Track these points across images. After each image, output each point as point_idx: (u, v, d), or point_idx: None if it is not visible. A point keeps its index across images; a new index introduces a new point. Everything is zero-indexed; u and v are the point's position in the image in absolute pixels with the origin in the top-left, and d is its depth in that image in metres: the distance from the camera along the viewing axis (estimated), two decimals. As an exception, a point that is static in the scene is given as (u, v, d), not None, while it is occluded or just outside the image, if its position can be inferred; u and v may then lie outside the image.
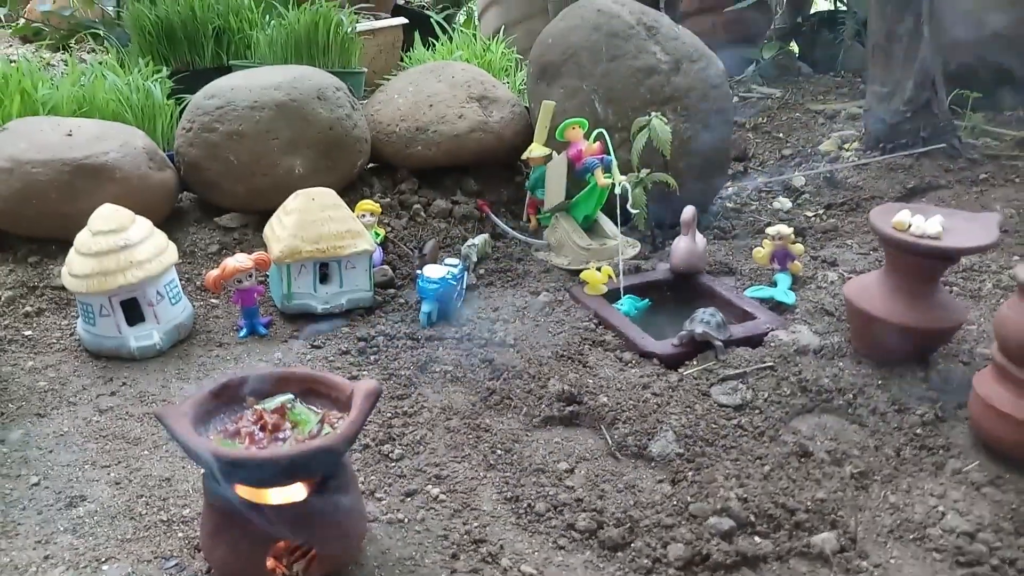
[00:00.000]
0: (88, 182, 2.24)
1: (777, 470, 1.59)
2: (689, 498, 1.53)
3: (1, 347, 2.01)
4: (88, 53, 4.04)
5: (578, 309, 2.18)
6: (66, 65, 3.11)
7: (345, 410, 1.32)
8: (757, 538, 1.46)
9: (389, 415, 1.76)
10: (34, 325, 2.11)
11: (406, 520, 1.49)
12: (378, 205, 2.45)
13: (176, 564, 1.37)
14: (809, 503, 1.51)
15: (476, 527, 1.47)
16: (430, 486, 1.57)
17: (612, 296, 2.19)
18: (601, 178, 2.33)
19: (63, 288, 2.07)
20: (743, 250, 2.54)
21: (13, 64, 2.79)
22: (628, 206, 2.29)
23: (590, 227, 2.48)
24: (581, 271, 2.26)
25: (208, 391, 1.34)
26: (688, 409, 1.76)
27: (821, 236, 2.66)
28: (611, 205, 2.32)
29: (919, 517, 1.50)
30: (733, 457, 1.64)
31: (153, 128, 2.69)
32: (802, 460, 1.62)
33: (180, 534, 1.44)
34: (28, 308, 2.15)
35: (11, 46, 4.41)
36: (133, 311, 1.99)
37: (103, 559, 1.38)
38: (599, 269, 2.20)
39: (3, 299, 2.15)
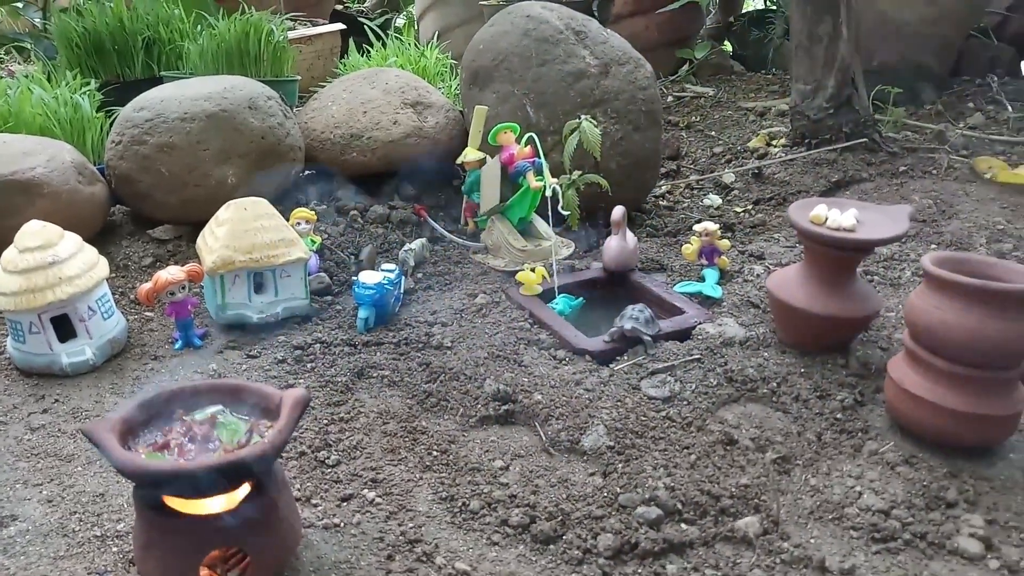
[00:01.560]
0: (15, 198, 2.21)
1: (703, 458, 1.65)
2: (619, 489, 1.58)
3: (-73, 368, 1.98)
4: (17, 65, 3.96)
5: (514, 309, 2.22)
6: (-9, 79, 3.05)
7: (275, 419, 1.34)
8: (684, 525, 1.51)
9: (326, 422, 1.78)
10: (-39, 345, 2.08)
11: (342, 524, 1.51)
12: (313, 213, 2.46)
13: (110, 578, 1.37)
14: (733, 489, 1.57)
15: (411, 528, 1.50)
16: (366, 490, 1.59)
17: (547, 296, 2.24)
18: (533, 181, 2.38)
19: (-9, 306, 2.04)
20: (674, 247, 2.61)
21: (-65, 79, 2.74)
22: (559, 208, 2.33)
23: (525, 229, 2.52)
24: (516, 272, 2.29)
25: (136, 404, 1.34)
26: (619, 403, 1.80)
27: (749, 231, 2.74)
28: (545, 207, 2.37)
29: (838, 498, 1.57)
30: (661, 448, 1.69)
31: (83, 142, 2.66)
32: (727, 448, 1.68)
33: (115, 548, 1.44)
34: (-45, 328, 2.11)
35: (-65, 60, 4.30)
36: (64, 327, 1.97)
37: (35, 577, 1.37)
38: (534, 270, 2.24)
39: (-72, 320, 2.11)
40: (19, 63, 3.94)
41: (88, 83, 2.89)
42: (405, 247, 2.45)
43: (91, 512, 1.53)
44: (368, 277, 2.13)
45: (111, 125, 2.63)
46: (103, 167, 2.55)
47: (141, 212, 2.56)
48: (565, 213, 2.35)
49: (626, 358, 1.96)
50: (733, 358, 1.92)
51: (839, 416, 1.77)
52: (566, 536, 1.48)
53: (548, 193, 2.31)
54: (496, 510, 1.54)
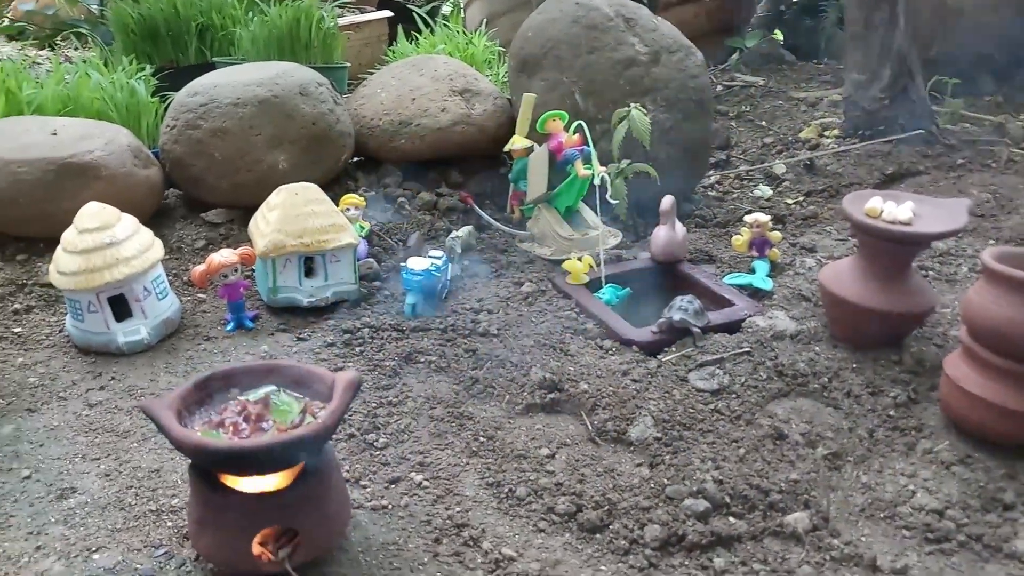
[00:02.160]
0: (74, 181, 2.26)
1: (752, 452, 1.63)
2: (666, 481, 1.57)
3: (-9, 344, 2.04)
4: (73, 51, 4.05)
5: (560, 298, 2.22)
6: (51, 63, 3.12)
7: (327, 400, 1.36)
8: (732, 519, 1.50)
9: (374, 405, 1.80)
10: (23, 322, 2.14)
11: (390, 506, 1.52)
12: (362, 199, 2.48)
13: (165, 552, 1.40)
14: (783, 484, 1.55)
15: (458, 512, 1.51)
16: (414, 473, 1.61)
17: (594, 285, 2.23)
18: (581, 169, 2.36)
19: (51, 285, 2.09)
20: (723, 238, 2.58)
21: (-2, 64, 2.81)
22: (608, 196, 2.32)
23: (572, 218, 2.51)
24: (563, 261, 2.29)
25: (192, 384, 1.37)
26: (666, 395, 1.79)
27: (800, 223, 2.70)
28: (593, 195, 2.35)
29: (890, 496, 1.54)
30: (710, 440, 1.68)
31: (138, 126, 2.71)
32: (777, 443, 1.66)
33: (169, 523, 1.48)
34: (17, 306, 2.17)
35: (-4, 45, 4.42)
36: (121, 307, 2.01)
37: (94, 548, 1.41)
38: (581, 259, 2.24)
39: (-8, 297, 2.18)
40: (77, 49, 4.03)
41: (143, 68, 2.95)
42: (452, 234, 2.45)
43: (146, 487, 1.56)
44: (416, 263, 2.14)
45: (165, 110, 2.67)
46: (158, 151, 2.60)
47: (194, 195, 2.60)
48: (613, 202, 2.34)
49: (674, 349, 1.95)
50: (783, 352, 1.89)
51: (892, 413, 1.74)
52: (612, 526, 1.48)
53: (596, 182, 2.29)
54: (542, 497, 1.55)
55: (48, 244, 2.19)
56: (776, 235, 2.33)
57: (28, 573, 1.35)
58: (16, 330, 2.10)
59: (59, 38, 4.25)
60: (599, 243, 2.33)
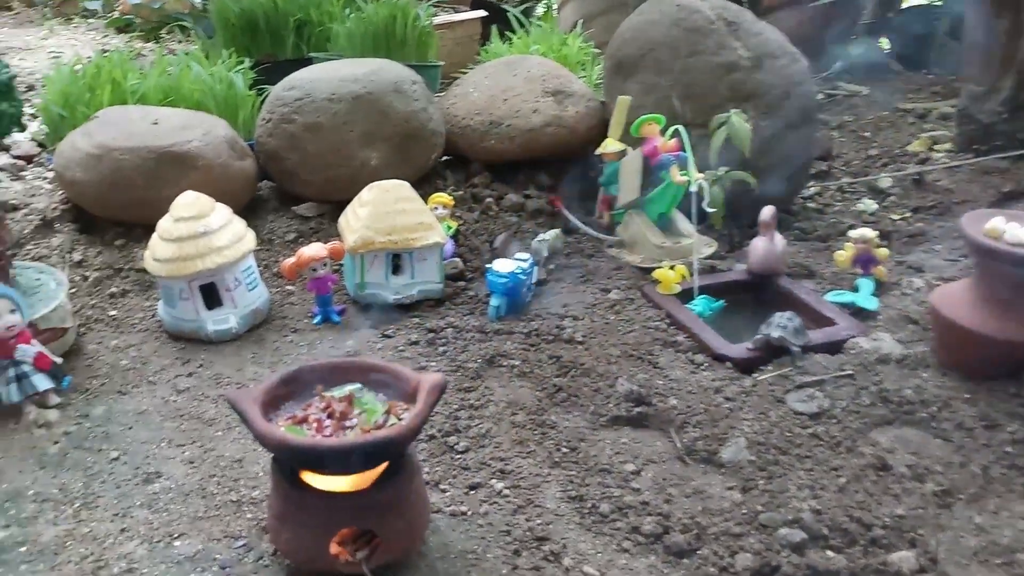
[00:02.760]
0: (172, 169, 2.31)
1: (854, 483, 1.53)
2: (760, 507, 1.49)
3: (88, 325, 2.09)
4: (177, 44, 4.18)
5: (650, 308, 2.14)
6: (155, 55, 3.22)
7: (411, 401, 1.33)
8: (830, 552, 1.40)
9: (456, 407, 1.76)
10: (119, 305, 2.19)
11: (469, 513, 1.48)
12: (451, 198, 2.46)
13: (244, 544, 1.39)
14: (887, 519, 1.45)
15: (539, 524, 1.46)
16: (494, 480, 1.56)
17: (686, 296, 2.15)
18: (677, 175, 2.28)
19: (146, 271, 2.14)
20: (824, 252, 2.46)
21: (105, 55, 2.90)
22: (704, 205, 2.23)
23: (665, 224, 2.43)
24: (654, 269, 2.21)
25: (279, 378, 1.36)
26: (761, 416, 1.70)
27: (907, 240, 2.55)
28: (687, 203, 2.27)
29: (1007, 541, 1.42)
30: (807, 467, 1.58)
31: (235, 118, 2.75)
32: (880, 474, 1.56)
33: (249, 515, 1.47)
34: (114, 289, 2.23)
35: (106, 36, 4.60)
36: (211, 295, 2.04)
37: (176, 535, 1.41)
38: (673, 268, 2.16)
39: (91, 280, 2.24)
40: (180, 42, 4.15)
41: (242, 62, 3.00)
42: (539, 237, 2.41)
43: (229, 476, 1.56)
44: (502, 265, 2.10)
45: (262, 103, 2.71)
46: (253, 143, 2.63)
47: (287, 189, 2.63)
48: (711, 210, 2.25)
49: (771, 368, 1.85)
50: (888, 376, 1.78)
51: (1009, 450, 1.61)
52: (701, 551, 1.41)
53: (693, 188, 2.21)
54: (627, 515, 1.48)
55: (145, 230, 2.24)
56: (883, 252, 2.20)
57: (113, 555, 1.36)
58: (112, 313, 2.15)
59: (164, 31, 4.39)
60: (693, 252, 2.24)
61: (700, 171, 2.29)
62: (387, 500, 1.29)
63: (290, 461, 1.28)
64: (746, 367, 1.87)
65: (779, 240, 2.21)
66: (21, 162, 3.16)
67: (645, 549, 1.42)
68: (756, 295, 2.21)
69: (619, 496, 1.52)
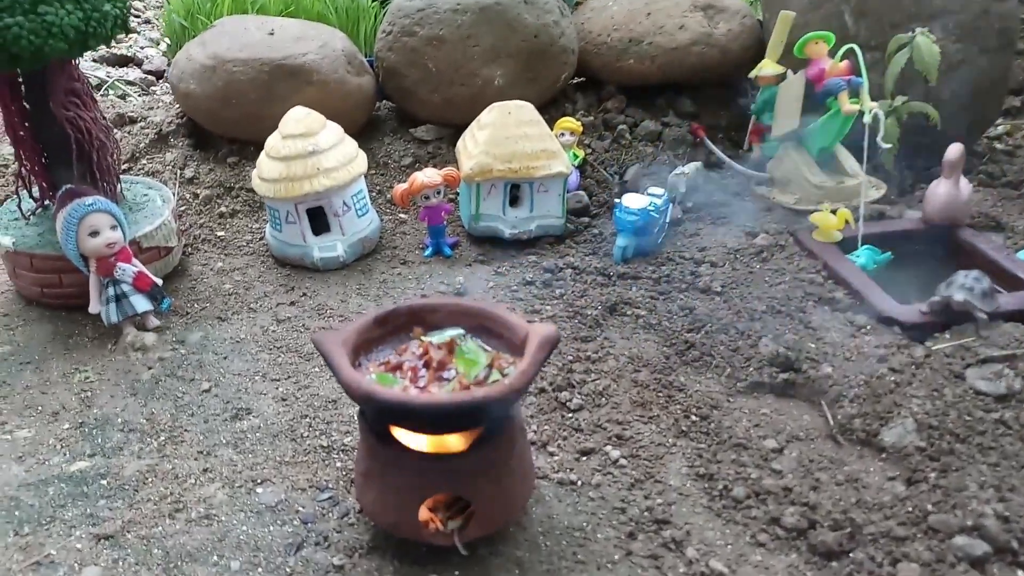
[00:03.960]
0: (285, 84, 2.18)
1: (1054, 486, 1.24)
2: (930, 506, 1.23)
3: (195, 246, 2.02)
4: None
5: (803, 257, 1.86)
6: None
7: (517, 354, 1.14)
8: (1020, 572, 1.14)
9: (571, 358, 1.57)
10: (227, 226, 2.11)
11: (579, 483, 1.30)
12: (579, 124, 2.23)
13: (330, 497, 1.27)
14: (1098, 535, 1.16)
15: (660, 504, 1.26)
16: (610, 446, 1.37)
17: (847, 246, 1.85)
18: (847, 104, 1.96)
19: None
20: (1016, 202, 2.09)
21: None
22: (878, 139, 1.90)
23: (825, 161, 2.12)
24: (811, 212, 1.92)
25: (372, 318, 1.20)
26: (935, 393, 1.42)
27: (1123, 193, 2.13)
28: (853, 138, 1.95)
29: None
30: (992, 461, 1.30)
31: (356, 31, 2.60)
32: (1090, 477, 1.26)
33: (338, 463, 1.34)
34: (223, 209, 2.15)
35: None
36: (319, 220, 1.92)
37: (259, 480, 1.31)
38: (834, 212, 1.86)
39: (201, 198, 2.17)
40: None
41: (367, -29, 2.83)
42: (676, 170, 2.15)
43: (321, 419, 1.44)
44: (632, 201, 1.87)
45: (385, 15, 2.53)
46: (372, 60, 2.47)
47: (405, 109, 2.46)
48: (885, 146, 1.91)
49: (948, 337, 1.55)
50: (1103, 356, 1.45)
51: None
52: (855, 554, 1.17)
53: (867, 119, 1.88)
54: (765, 503, 1.26)
55: (258, 149, 2.13)
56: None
57: (192, 497, 1.27)
58: (219, 233, 2.07)
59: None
60: (860, 194, 1.93)
61: (874, 100, 1.95)
62: (486, 465, 1.12)
63: (378, 416, 1.13)
64: (918, 334, 1.58)
65: (964, 185, 1.87)
66: (151, 78, 3.15)
67: (785, 545, 1.20)
68: (931, 248, 1.90)
69: (756, 479, 1.30)
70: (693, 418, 1.43)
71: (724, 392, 1.50)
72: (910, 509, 1.23)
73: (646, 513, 1.24)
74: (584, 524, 1.23)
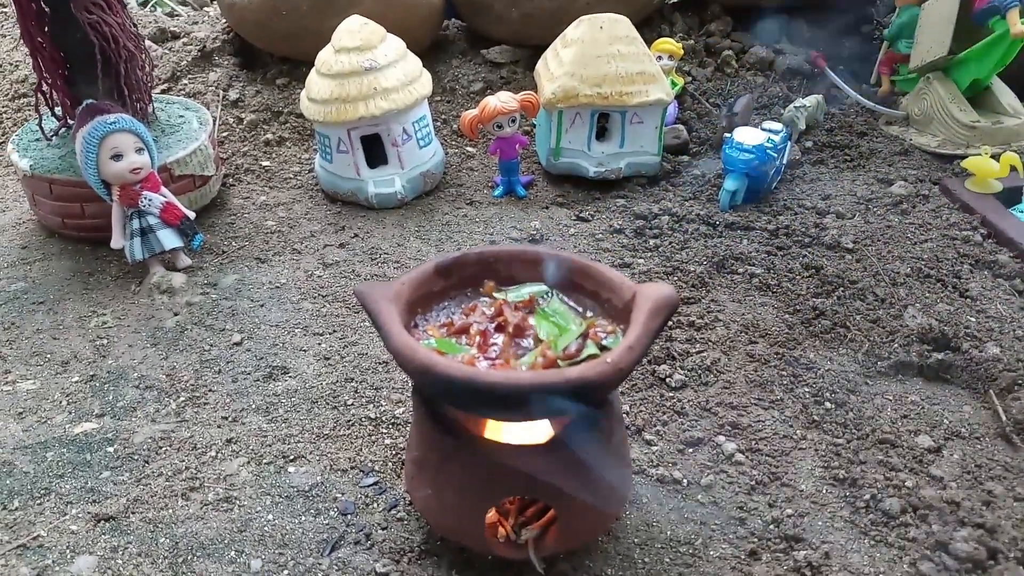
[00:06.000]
0: (343, -7, 1.91)
1: None
2: None
3: (237, 176, 1.79)
4: None
5: (954, 211, 1.55)
6: None
7: (619, 321, 0.87)
8: None
9: (671, 324, 1.30)
10: (273, 155, 1.87)
11: (685, 482, 1.04)
12: (679, 46, 1.91)
13: (376, 483, 1.03)
14: None
15: (789, 515, 0.99)
16: (722, 437, 1.10)
17: (1009, 197, 1.52)
18: (1016, 24, 1.60)
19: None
20: None
21: None
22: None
23: (977, 97, 1.77)
24: (957, 157, 1.59)
25: (433, 267, 0.94)
26: None
27: None
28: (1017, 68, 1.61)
29: None
30: None
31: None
32: None
33: (387, 440, 1.11)
34: (269, 136, 1.91)
35: None
36: (375, 150, 1.67)
37: (292, 457, 1.08)
38: (996, 157, 1.52)
39: (246, 123, 1.93)
40: None
41: None
42: (794, 104, 1.83)
43: (369, 384, 1.20)
44: (746, 136, 1.57)
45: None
46: (442, -29, 2.18)
47: (477, 27, 2.18)
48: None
49: None
50: None
51: None
52: (1055, 601, 0.89)
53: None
54: (926, 521, 0.98)
55: (310, 68, 1.88)
56: None
57: (211, 474, 1.05)
58: (264, 163, 1.84)
59: None
60: (1022, 136, 1.59)
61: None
62: (572, 463, 0.86)
63: (435, 394, 0.87)
64: (1114, 310, 1.26)
65: None
66: (205, -2, 2.92)
67: (956, 580, 0.92)
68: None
69: (911, 488, 1.02)
70: (826, 404, 1.15)
71: (862, 373, 1.21)
72: (1120, 538, 0.94)
73: (772, 527, 0.98)
74: (692, 536, 0.96)
